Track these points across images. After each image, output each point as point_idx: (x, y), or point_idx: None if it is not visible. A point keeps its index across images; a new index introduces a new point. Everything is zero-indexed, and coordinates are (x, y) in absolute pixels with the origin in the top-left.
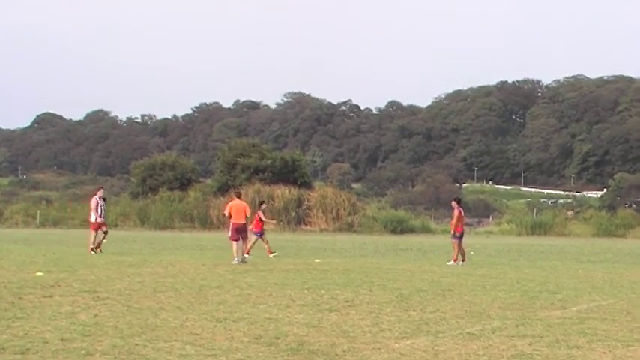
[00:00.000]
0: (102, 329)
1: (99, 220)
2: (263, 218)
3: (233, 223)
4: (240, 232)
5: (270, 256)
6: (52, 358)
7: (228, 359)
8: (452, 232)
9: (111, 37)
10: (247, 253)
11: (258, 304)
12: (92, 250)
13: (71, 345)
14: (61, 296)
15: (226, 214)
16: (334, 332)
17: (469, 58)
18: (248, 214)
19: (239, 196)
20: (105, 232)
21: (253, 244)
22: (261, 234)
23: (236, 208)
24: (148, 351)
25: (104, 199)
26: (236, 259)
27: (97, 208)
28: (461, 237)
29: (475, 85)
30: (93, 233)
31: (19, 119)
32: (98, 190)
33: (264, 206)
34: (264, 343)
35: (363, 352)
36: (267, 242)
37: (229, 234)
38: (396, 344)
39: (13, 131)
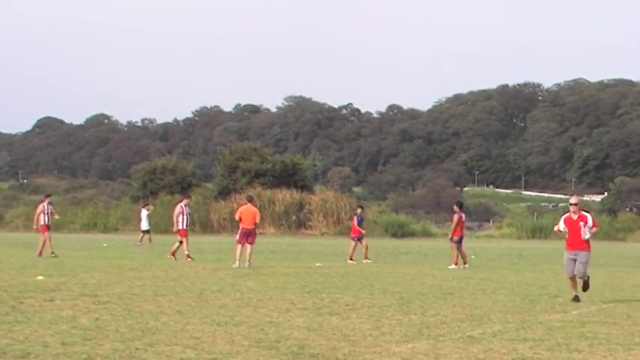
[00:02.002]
0: (103, 333)
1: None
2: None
3: (242, 228)
4: (247, 237)
5: (364, 261)
6: None
7: None
8: (449, 236)
9: (111, 41)
10: (351, 259)
11: (258, 308)
12: (188, 256)
13: (72, 349)
14: (61, 300)
15: (237, 217)
16: (335, 336)
17: (470, 61)
18: (257, 220)
19: (251, 201)
20: (181, 242)
21: (353, 249)
22: (359, 239)
23: (246, 212)
24: (149, 355)
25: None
26: (237, 262)
27: (180, 215)
28: (459, 241)
29: (476, 88)
30: (181, 240)
31: (19, 123)
32: (183, 200)
33: (359, 210)
34: (264, 347)
35: (364, 355)
36: (366, 247)
37: (237, 237)
38: (397, 348)
39: (14, 135)
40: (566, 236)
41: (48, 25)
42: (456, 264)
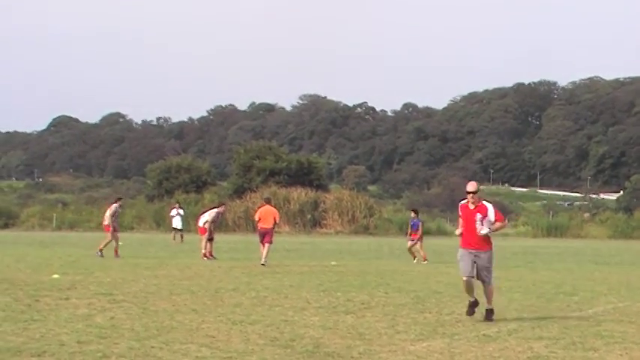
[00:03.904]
0: (118, 332)
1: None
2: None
3: (260, 227)
4: (263, 236)
5: (424, 262)
6: None
7: None
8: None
9: (127, 40)
10: (415, 257)
11: (273, 307)
12: (209, 256)
13: (87, 347)
14: (77, 299)
15: (256, 218)
16: (350, 334)
17: (485, 59)
18: (277, 220)
19: (269, 202)
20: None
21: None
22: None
23: (265, 213)
24: (164, 353)
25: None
26: (263, 260)
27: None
28: None
29: (491, 86)
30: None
31: (35, 122)
32: (220, 205)
33: (412, 215)
34: (280, 346)
35: (379, 354)
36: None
37: (259, 237)
38: (412, 346)
39: (30, 134)
40: (461, 230)
41: (63, 24)
42: None
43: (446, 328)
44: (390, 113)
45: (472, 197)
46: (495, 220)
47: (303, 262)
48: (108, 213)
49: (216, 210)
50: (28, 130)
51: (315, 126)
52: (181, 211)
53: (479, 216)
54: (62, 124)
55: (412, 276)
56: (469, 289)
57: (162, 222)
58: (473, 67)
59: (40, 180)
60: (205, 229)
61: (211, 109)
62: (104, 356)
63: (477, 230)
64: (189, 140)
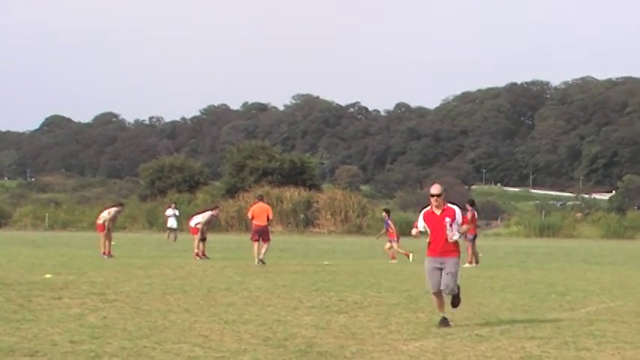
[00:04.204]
0: (110, 331)
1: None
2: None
3: (254, 225)
4: (260, 234)
5: (392, 261)
6: None
7: None
8: (470, 233)
9: (119, 39)
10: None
11: (266, 306)
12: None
13: (80, 347)
14: (69, 298)
15: (249, 216)
16: (343, 334)
17: (477, 59)
18: (271, 217)
19: (262, 199)
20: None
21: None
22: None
23: (259, 210)
24: (157, 353)
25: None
26: (256, 260)
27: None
28: (474, 239)
29: (484, 86)
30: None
31: (27, 122)
32: (214, 208)
33: (384, 214)
34: (272, 345)
35: (372, 354)
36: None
37: (251, 235)
38: (405, 346)
39: (22, 134)
40: (428, 238)
41: (55, 24)
42: (471, 262)
43: (438, 327)
44: (382, 113)
45: (436, 200)
46: (462, 223)
47: (296, 262)
48: (107, 215)
49: (210, 212)
50: (21, 130)
51: (307, 126)
52: (177, 212)
53: (448, 220)
54: (55, 124)
55: (405, 276)
56: (439, 303)
57: (154, 222)
58: (466, 67)
59: (33, 179)
60: (197, 229)
61: (204, 109)
62: (97, 356)
63: (449, 237)
64: (181, 140)
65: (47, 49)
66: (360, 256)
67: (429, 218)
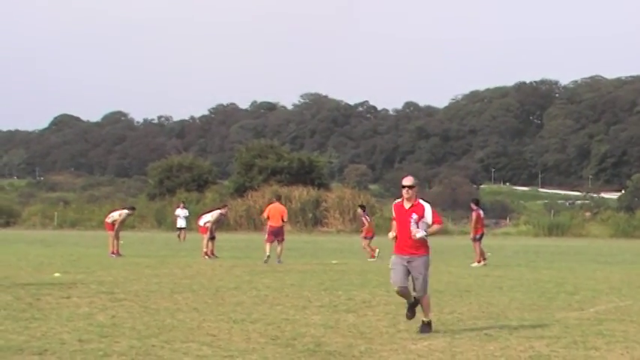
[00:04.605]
0: (119, 330)
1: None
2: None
3: (269, 226)
4: (275, 235)
5: (371, 260)
6: (69, 359)
7: None
8: (472, 234)
9: (128, 38)
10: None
11: (275, 306)
12: (211, 255)
13: (88, 346)
14: (78, 297)
15: (265, 216)
16: (351, 333)
17: (486, 58)
18: (285, 218)
19: (278, 199)
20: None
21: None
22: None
23: (274, 210)
24: (165, 352)
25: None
26: (266, 256)
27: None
28: (480, 238)
29: (492, 85)
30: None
31: (36, 121)
32: (223, 206)
33: (359, 210)
34: (281, 345)
35: (380, 353)
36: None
37: (265, 235)
38: (414, 345)
39: (31, 133)
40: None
41: (64, 23)
42: (479, 261)
43: (447, 326)
44: (391, 112)
45: (407, 192)
46: (433, 222)
47: (305, 261)
48: (117, 216)
49: (219, 211)
50: (30, 129)
51: (316, 125)
52: (186, 211)
53: (414, 216)
54: (64, 123)
55: None
56: (404, 296)
57: (163, 221)
58: (474, 66)
59: (42, 178)
60: (206, 228)
61: (213, 108)
62: (105, 355)
63: (412, 233)
64: (190, 139)
65: (56, 49)
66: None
67: (397, 210)
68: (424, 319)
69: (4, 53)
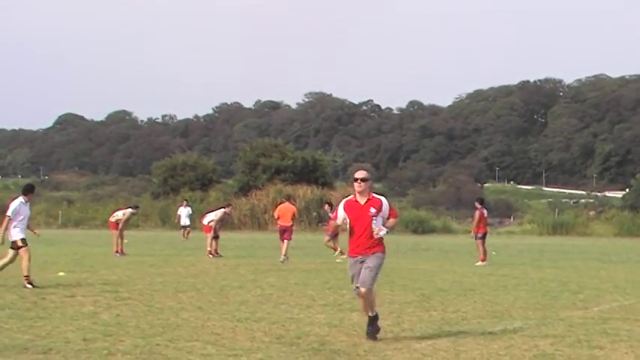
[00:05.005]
0: (123, 329)
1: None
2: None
3: (280, 225)
4: (283, 233)
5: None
6: (74, 358)
7: (249, 359)
8: (473, 233)
9: (131, 37)
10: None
11: (279, 304)
12: (215, 253)
13: (93, 345)
14: (82, 296)
15: (275, 215)
16: (356, 332)
17: (490, 57)
18: (295, 217)
19: (288, 199)
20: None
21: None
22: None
23: (284, 210)
24: (170, 351)
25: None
26: (282, 257)
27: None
28: (482, 237)
29: (496, 84)
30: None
31: (40, 120)
32: (227, 205)
33: (327, 207)
34: (285, 343)
35: (385, 352)
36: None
37: (279, 235)
38: (418, 344)
39: (35, 132)
40: (349, 234)
41: (69, 22)
42: (483, 260)
43: (451, 326)
44: (395, 111)
45: (360, 185)
46: (390, 217)
47: (309, 260)
48: (121, 215)
49: (223, 210)
50: (34, 128)
51: (320, 124)
52: (189, 209)
53: (372, 210)
54: (68, 122)
55: (417, 274)
56: (365, 304)
57: (167, 219)
58: (478, 65)
59: (46, 177)
60: (210, 227)
61: (217, 107)
62: (110, 353)
63: (375, 232)
64: (194, 138)
65: (60, 48)
66: None
67: (350, 208)
68: (370, 313)
69: (9, 52)
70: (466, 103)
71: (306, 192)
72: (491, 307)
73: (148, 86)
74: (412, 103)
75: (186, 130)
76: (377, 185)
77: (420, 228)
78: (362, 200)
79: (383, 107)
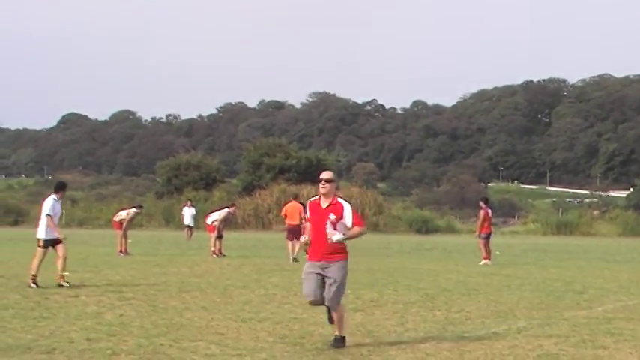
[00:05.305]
0: (127, 329)
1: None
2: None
3: (288, 224)
4: (293, 233)
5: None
6: (77, 357)
7: (253, 359)
8: (477, 232)
9: (135, 37)
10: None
11: (283, 304)
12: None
13: (97, 345)
14: (86, 296)
15: (282, 214)
16: (359, 332)
17: (494, 57)
18: (303, 215)
19: (295, 198)
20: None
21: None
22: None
23: (292, 209)
24: (173, 351)
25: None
26: (291, 257)
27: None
28: (487, 237)
29: (500, 84)
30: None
31: (44, 119)
32: (232, 205)
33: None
34: (289, 343)
35: (389, 352)
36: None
37: (285, 234)
38: (422, 344)
39: (39, 131)
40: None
41: (73, 21)
42: (485, 259)
43: (455, 325)
44: (399, 110)
45: (324, 186)
46: (353, 225)
47: None
48: (125, 215)
49: (227, 210)
50: (38, 128)
51: (324, 123)
52: (193, 210)
53: (332, 217)
54: (72, 122)
55: (422, 274)
56: (330, 317)
57: (171, 219)
58: (482, 65)
59: (50, 177)
60: (214, 227)
61: (221, 107)
62: (113, 353)
63: (328, 236)
64: (198, 137)
65: (64, 47)
66: (377, 254)
67: (313, 210)
68: (337, 334)
69: (13, 51)
70: (470, 102)
71: (309, 192)
72: (495, 306)
73: (151, 86)
74: (416, 103)
75: (190, 130)
76: (380, 185)
77: (424, 228)
78: (325, 204)
79: (387, 107)
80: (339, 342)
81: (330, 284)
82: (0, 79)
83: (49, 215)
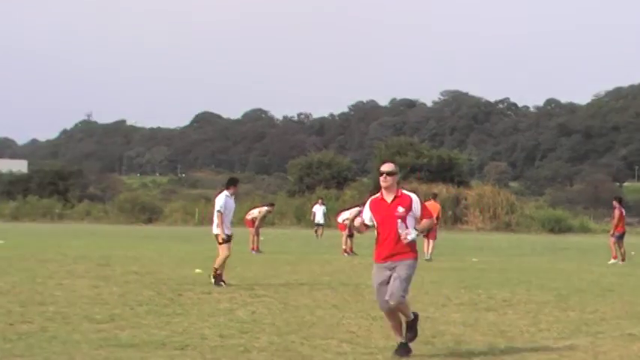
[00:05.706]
0: (259, 326)
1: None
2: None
3: None
4: (429, 232)
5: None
6: (210, 354)
7: (384, 358)
8: (612, 231)
9: (268, 36)
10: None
11: (414, 303)
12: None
13: (229, 341)
14: (219, 293)
15: None
16: (491, 332)
17: (630, 54)
18: (439, 215)
19: (435, 197)
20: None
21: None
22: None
23: (430, 208)
24: (305, 348)
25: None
26: (427, 255)
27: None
28: (620, 237)
29: (637, 82)
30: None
31: (178, 118)
32: (363, 203)
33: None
34: (420, 342)
35: (522, 352)
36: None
37: None
38: (555, 345)
39: (173, 130)
40: (376, 237)
41: (207, 23)
42: (615, 258)
43: (589, 326)
44: (532, 109)
45: (386, 179)
46: (422, 217)
47: (444, 259)
48: (257, 213)
49: (357, 208)
50: (172, 126)
51: (456, 122)
52: (324, 208)
53: (400, 210)
54: (205, 120)
55: (555, 273)
56: (395, 325)
57: (303, 217)
58: (618, 62)
59: (183, 175)
60: (345, 225)
61: (352, 105)
62: (245, 350)
63: (402, 235)
64: (329, 136)
65: (198, 48)
66: (509, 253)
67: (376, 207)
68: (400, 340)
69: (150, 56)
70: (605, 100)
71: (441, 190)
72: (631, 307)
73: (283, 85)
74: (549, 101)
75: (322, 129)
76: (513, 184)
77: (557, 227)
78: (389, 198)
79: (519, 105)
80: (404, 350)
81: (395, 279)
82: (136, 80)
83: (219, 211)
